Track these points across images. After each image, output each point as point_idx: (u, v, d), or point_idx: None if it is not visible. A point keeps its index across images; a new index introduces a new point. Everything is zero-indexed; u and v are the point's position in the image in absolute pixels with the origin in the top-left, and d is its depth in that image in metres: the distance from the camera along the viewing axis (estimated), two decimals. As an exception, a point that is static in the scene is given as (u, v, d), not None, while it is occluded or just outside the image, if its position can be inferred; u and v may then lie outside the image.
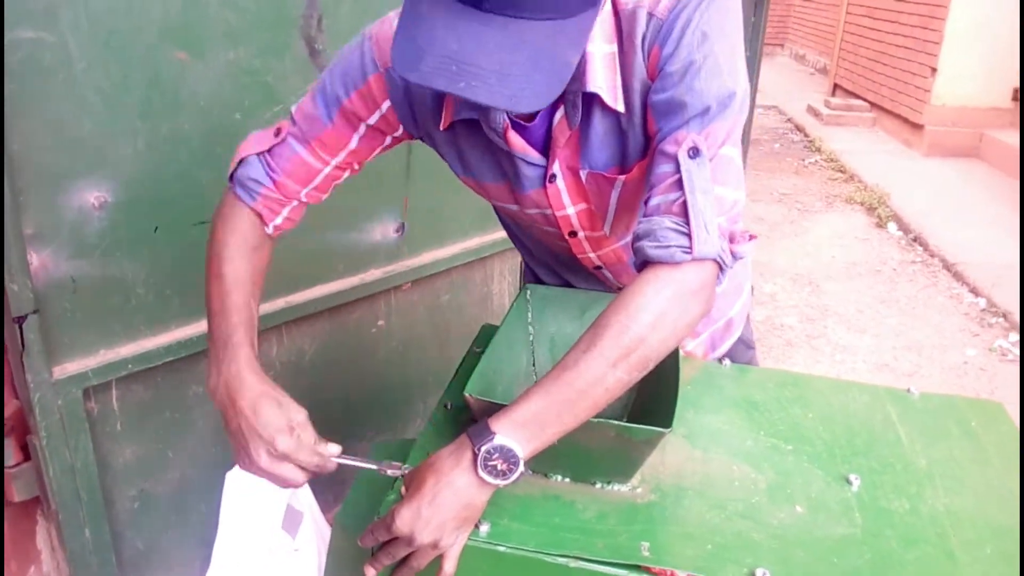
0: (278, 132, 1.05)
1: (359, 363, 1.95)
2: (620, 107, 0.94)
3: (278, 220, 1.08)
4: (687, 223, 0.86)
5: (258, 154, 1.05)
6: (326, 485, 1.86)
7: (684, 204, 0.87)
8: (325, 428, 1.97)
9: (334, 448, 0.91)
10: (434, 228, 2.03)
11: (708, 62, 0.88)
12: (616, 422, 0.87)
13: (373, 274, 1.89)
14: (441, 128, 1.03)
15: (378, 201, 1.84)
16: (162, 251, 1.49)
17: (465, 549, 0.84)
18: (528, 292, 1.23)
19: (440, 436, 1.04)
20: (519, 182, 1.04)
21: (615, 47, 0.92)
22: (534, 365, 1.21)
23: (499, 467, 0.81)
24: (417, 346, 2.11)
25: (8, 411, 1.41)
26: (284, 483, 0.90)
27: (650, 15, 0.89)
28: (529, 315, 1.22)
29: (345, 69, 1.02)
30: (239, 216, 1.05)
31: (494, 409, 0.86)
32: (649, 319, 0.84)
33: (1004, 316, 3.83)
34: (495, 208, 1.24)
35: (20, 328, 1.32)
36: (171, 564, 1.72)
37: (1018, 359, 3.48)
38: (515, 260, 2.40)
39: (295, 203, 1.08)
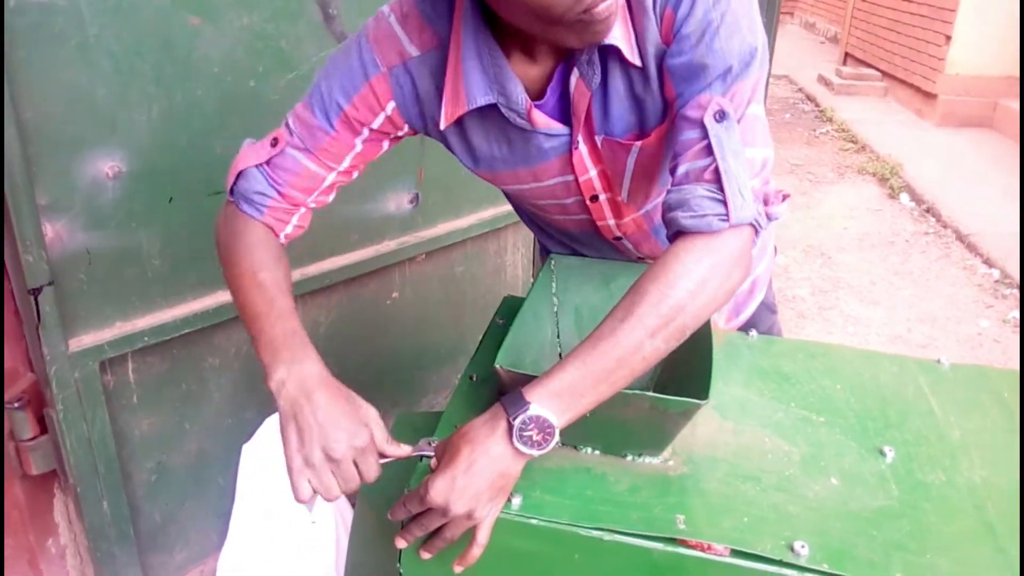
0: (275, 142, 1.00)
1: (374, 335, 1.94)
2: (637, 60, 0.89)
3: (288, 229, 1.04)
4: (721, 190, 0.84)
5: (257, 166, 1.00)
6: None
7: (716, 170, 0.84)
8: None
9: (406, 448, 0.91)
10: (448, 199, 2.00)
11: (726, 19, 0.84)
12: (652, 394, 0.86)
13: (387, 245, 1.87)
14: (448, 123, 0.97)
15: (393, 171, 1.81)
16: (177, 221, 1.47)
17: (497, 522, 0.83)
18: (553, 262, 1.21)
19: (467, 408, 1.02)
20: (541, 156, 1.00)
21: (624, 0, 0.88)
22: (559, 336, 1.19)
23: (534, 437, 0.79)
24: (431, 318, 2.10)
25: (24, 384, 1.40)
26: (355, 479, 0.86)
27: None
28: (554, 286, 1.20)
29: (343, 75, 0.97)
30: (253, 230, 1.01)
31: (525, 381, 0.84)
32: (690, 287, 0.82)
33: (1018, 287, 3.80)
34: (506, 194, 1.20)
35: (36, 300, 1.30)
36: (188, 536, 1.73)
37: (1032, 330, 3.46)
38: (529, 232, 2.37)
39: (303, 210, 1.05)
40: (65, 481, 1.48)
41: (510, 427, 0.80)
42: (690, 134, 0.86)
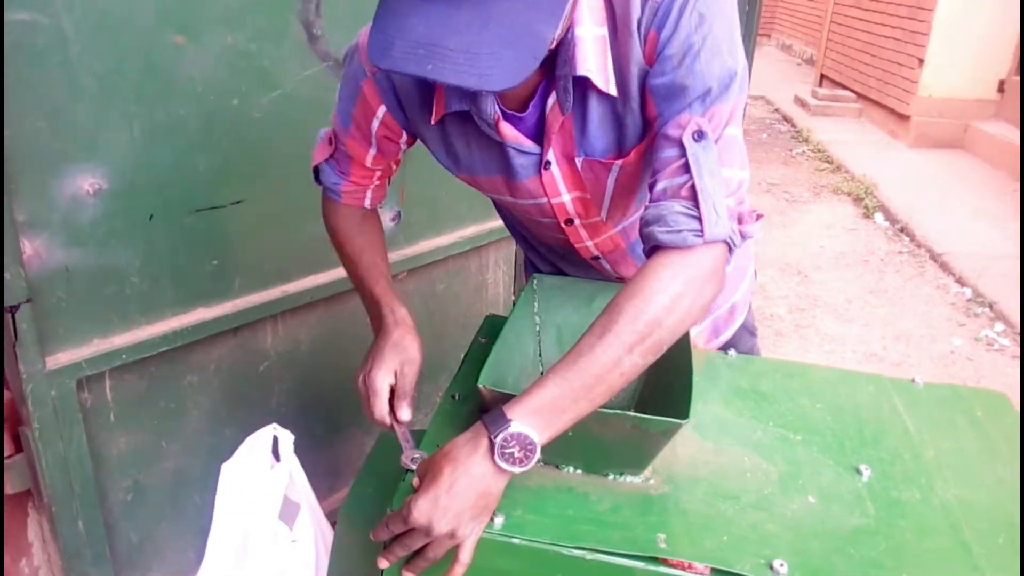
0: (330, 140, 1.14)
1: (355, 353, 1.91)
2: (612, 90, 0.92)
3: (368, 202, 1.20)
4: (697, 207, 0.86)
5: (326, 160, 1.16)
6: (321, 474, 1.85)
7: (693, 187, 0.87)
8: (321, 418, 1.96)
9: (404, 414, 1.02)
10: (431, 217, 2.01)
11: (707, 43, 0.87)
12: (633, 413, 0.86)
13: (370, 263, 1.87)
14: (432, 123, 1.01)
15: (375, 189, 1.82)
16: (158, 239, 1.46)
17: (480, 542, 0.83)
18: (535, 282, 1.21)
19: (449, 426, 1.03)
20: (513, 172, 1.03)
21: (606, 30, 0.91)
22: (540, 355, 1.20)
23: (516, 454, 0.80)
24: (413, 336, 2.09)
25: None
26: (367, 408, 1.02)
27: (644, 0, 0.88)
28: (536, 305, 1.21)
29: (345, 82, 1.07)
30: (338, 209, 1.19)
31: (508, 400, 0.85)
32: (665, 302, 0.84)
33: (990, 306, 3.87)
34: (493, 201, 1.23)
35: (13, 317, 1.29)
36: (165, 556, 1.70)
37: (1004, 349, 3.52)
38: (510, 249, 2.38)
39: (373, 187, 1.18)
40: (40, 500, 1.46)
41: (492, 445, 0.80)
42: (669, 152, 0.89)
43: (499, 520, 0.85)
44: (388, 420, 1.02)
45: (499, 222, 2.20)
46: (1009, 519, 0.92)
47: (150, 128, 1.39)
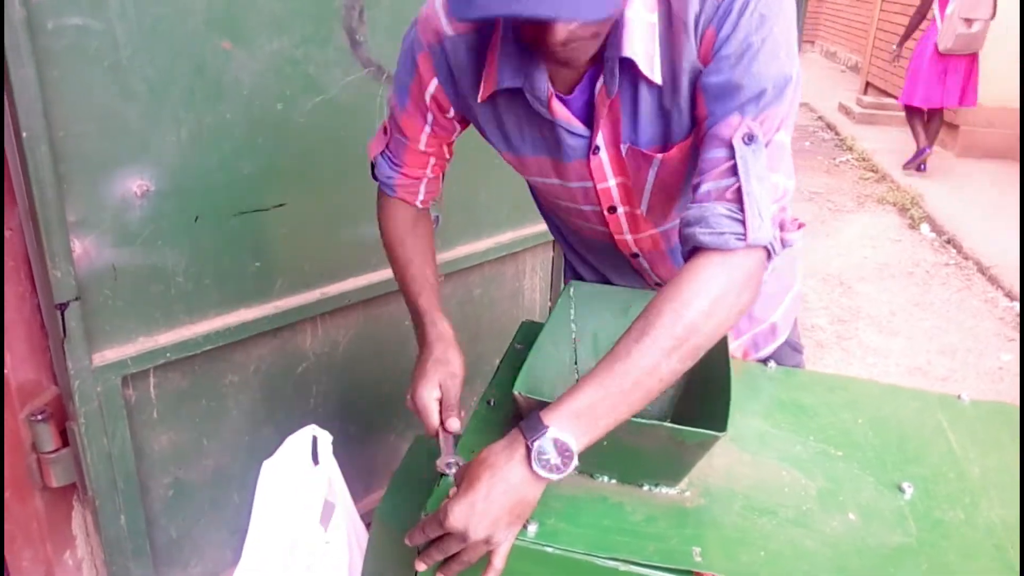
0: (385, 130, 1.16)
1: (392, 356, 1.95)
2: (657, 78, 0.91)
3: (421, 197, 1.19)
4: (741, 210, 0.85)
5: (381, 153, 1.17)
6: (356, 476, 1.86)
7: (739, 190, 0.86)
8: (357, 420, 1.97)
9: (453, 425, 1.01)
10: (468, 221, 2.02)
11: (766, 44, 0.86)
12: (670, 424, 0.86)
13: (407, 267, 1.88)
14: (481, 99, 1.02)
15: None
16: (203, 240, 1.49)
17: (513, 549, 0.83)
18: (572, 289, 1.21)
19: (484, 432, 1.03)
20: (563, 153, 1.03)
21: (655, 18, 0.90)
22: (576, 363, 1.20)
23: (553, 461, 0.80)
24: (449, 340, 2.10)
25: (47, 397, 1.42)
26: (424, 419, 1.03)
27: None
28: (572, 312, 1.21)
29: (402, 55, 1.07)
30: (392, 206, 1.19)
31: (543, 407, 0.85)
32: (703, 306, 0.83)
33: (1040, 322, 3.75)
34: (535, 191, 1.23)
35: (62, 315, 1.32)
36: (204, 552, 1.73)
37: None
38: (546, 255, 2.38)
39: (426, 179, 1.18)
40: (84, 494, 1.50)
41: (528, 451, 0.80)
42: (717, 153, 0.88)
43: (533, 528, 0.85)
44: (440, 432, 1.03)
45: (537, 228, 2.21)
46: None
47: (197, 131, 1.42)
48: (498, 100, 1.03)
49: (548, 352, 1.11)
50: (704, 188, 0.88)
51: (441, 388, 1.04)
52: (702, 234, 0.86)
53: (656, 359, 0.82)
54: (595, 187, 1.06)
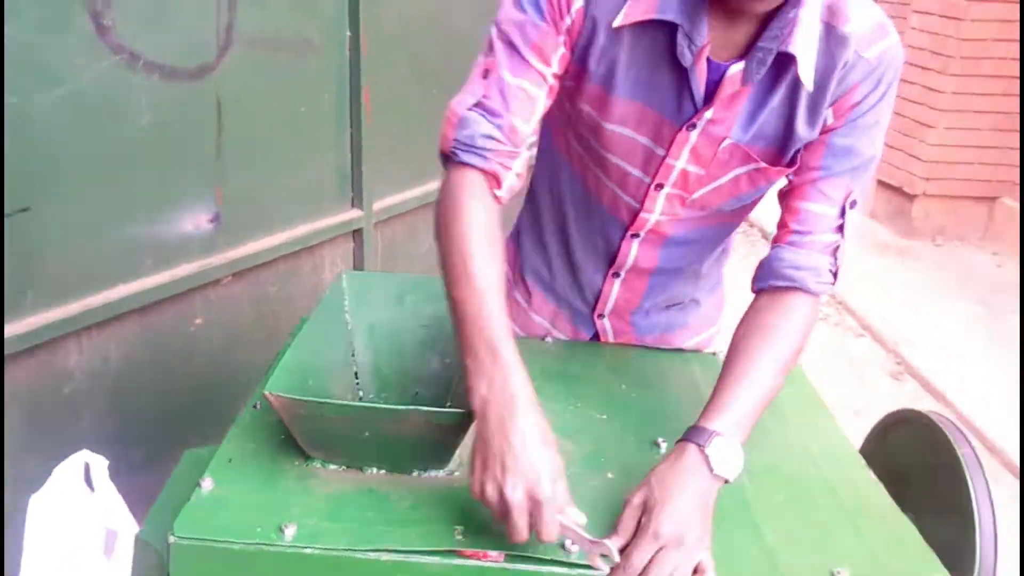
0: (485, 73, 0.98)
1: (174, 366, 1.82)
2: (810, 84, 0.96)
3: (511, 178, 0.98)
4: (836, 264, 1.03)
5: (473, 107, 0.96)
6: (140, 498, 1.74)
7: (838, 248, 1.02)
8: (138, 439, 1.83)
9: (580, 517, 0.81)
10: (256, 216, 1.92)
11: (884, 122, 1.02)
12: (425, 408, 0.86)
13: (186, 269, 1.76)
14: (620, 24, 0.96)
15: (184, 188, 1.71)
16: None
17: (266, 557, 0.79)
18: (344, 279, 1.19)
19: (247, 439, 0.98)
20: (666, 107, 1.01)
21: (818, 33, 0.95)
22: (354, 355, 1.17)
23: (733, 461, 0.89)
24: (242, 343, 2.00)
25: None
26: (519, 533, 0.78)
27: (858, 53, 0.96)
28: (346, 303, 1.18)
29: None
30: (469, 191, 0.95)
31: (299, 407, 0.82)
32: (806, 335, 1.03)
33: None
34: (568, 149, 1.15)
35: None
36: (-34, 603, 1.55)
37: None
38: (348, 248, 2.32)
39: (523, 153, 1.00)
40: None
41: (705, 458, 0.88)
42: (829, 210, 1.02)
43: (290, 531, 0.81)
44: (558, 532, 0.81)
45: (333, 219, 2.15)
46: (790, 479, 0.99)
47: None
48: (624, 34, 0.98)
49: (318, 346, 1.07)
50: (812, 238, 1.02)
51: None
52: (813, 281, 1.02)
53: (782, 380, 0.99)
54: (665, 158, 1.06)
